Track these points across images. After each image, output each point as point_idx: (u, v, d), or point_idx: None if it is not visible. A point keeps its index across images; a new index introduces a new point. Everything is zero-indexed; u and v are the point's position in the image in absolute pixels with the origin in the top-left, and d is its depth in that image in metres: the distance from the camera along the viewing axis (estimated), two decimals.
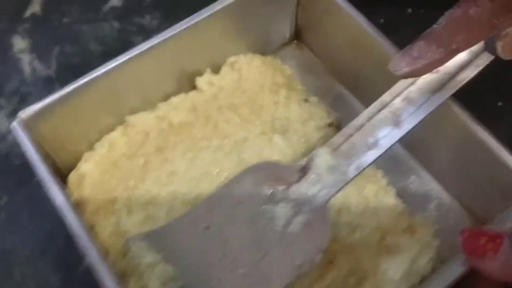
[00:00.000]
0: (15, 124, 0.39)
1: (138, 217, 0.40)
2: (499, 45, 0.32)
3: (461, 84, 0.37)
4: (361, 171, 0.37)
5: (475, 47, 0.36)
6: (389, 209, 0.42)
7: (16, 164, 0.48)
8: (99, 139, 0.44)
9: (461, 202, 0.44)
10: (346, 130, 0.38)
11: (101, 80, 0.41)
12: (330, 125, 0.47)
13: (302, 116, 0.46)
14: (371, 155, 0.37)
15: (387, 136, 0.37)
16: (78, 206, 0.41)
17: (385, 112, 0.37)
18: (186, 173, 0.43)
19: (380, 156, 0.37)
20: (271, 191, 0.37)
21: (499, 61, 0.34)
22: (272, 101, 0.47)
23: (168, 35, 0.43)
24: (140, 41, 0.43)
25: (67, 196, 0.38)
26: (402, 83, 0.37)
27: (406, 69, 0.33)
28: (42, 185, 0.38)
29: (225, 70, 0.48)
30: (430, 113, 0.37)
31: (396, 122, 0.37)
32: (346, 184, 0.37)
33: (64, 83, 0.41)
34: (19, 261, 0.44)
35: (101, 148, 0.43)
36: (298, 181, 0.37)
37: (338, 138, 0.38)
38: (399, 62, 0.33)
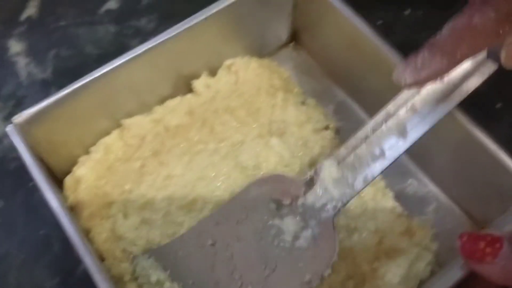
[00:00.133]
0: (10, 128, 0.39)
1: (134, 221, 0.40)
2: (503, 54, 0.32)
3: (466, 94, 0.36)
4: (368, 184, 0.36)
5: (480, 56, 0.36)
6: (387, 212, 0.42)
7: (12, 168, 0.48)
8: (95, 143, 0.44)
9: (460, 205, 0.44)
10: (351, 142, 0.37)
11: (97, 83, 0.41)
12: (327, 127, 0.47)
13: (299, 118, 0.46)
14: (378, 167, 0.36)
15: (393, 148, 0.36)
16: (74, 210, 0.41)
17: (390, 123, 0.37)
18: (182, 177, 0.42)
19: (386, 167, 0.36)
20: (277, 205, 0.37)
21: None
22: (269, 103, 0.46)
23: (164, 38, 0.43)
24: (137, 44, 0.43)
25: (63, 200, 0.38)
26: (406, 93, 0.37)
27: (410, 79, 0.32)
28: (38, 189, 0.38)
29: (221, 73, 0.47)
30: (436, 124, 0.36)
31: (401, 133, 0.36)
32: (354, 197, 0.36)
33: (60, 86, 0.41)
34: (15, 266, 0.44)
35: (97, 152, 0.43)
36: (304, 194, 0.37)
37: (343, 150, 0.37)
38: (403, 72, 0.33)
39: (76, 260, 0.36)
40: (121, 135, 0.44)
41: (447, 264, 0.37)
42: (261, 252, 0.36)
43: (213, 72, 0.48)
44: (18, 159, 0.39)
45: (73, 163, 0.43)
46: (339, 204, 0.36)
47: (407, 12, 0.56)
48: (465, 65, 0.36)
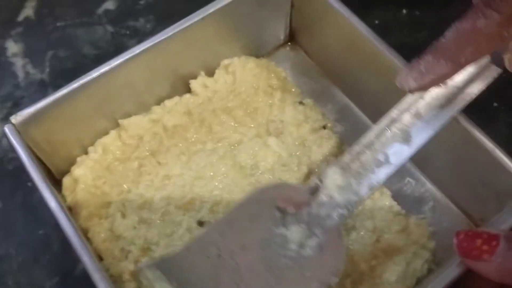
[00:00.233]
0: (8, 128, 0.39)
1: (133, 220, 0.40)
2: (506, 58, 0.32)
3: (471, 98, 0.36)
4: (374, 190, 0.36)
5: (483, 60, 0.36)
6: (384, 211, 0.42)
7: (10, 169, 0.48)
8: (92, 143, 0.44)
9: (457, 204, 0.44)
10: (355, 148, 0.37)
11: (94, 83, 0.41)
12: (324, 127, 0.47)
13: (297, 118, 0.46)
14: (383, 173, 0.36)
15: (398, 153, 0.36)
16: (72, 211, 0.41)
17: (394, 128, 0.36)
18: (181, 177, 0.43)
19: (391, 174, 0.36)
20: (281, 213, 0.37)
21: None
22: (266, 103, 0.46)
23: (161, 38, 0.43)
24: (134, 44, 0.43)
25: (61, 200, 0.38)
26: (409, 98, 0.37)
27: (414, 85, 0.32)
28: (37, 189, 0.38)
29: (219, 73, 0.47)
30: (440, 128, 0.36)
31: (406, 138, 0.36)
32: (359, 204, 0.36)
33: (58, 87, 0.41)
34: (13, 267, 0.44)
35: (95, 152, 0.43)
36: (309, 202, 0.36)
37: (347, 156, 0.37)
38: (407, 77, 0.33)
39: (75, 260, 0.36)
40: (119, 135, 0.44)
41: (444, 262, 0.37)
42: (267, 262, 0.36)
43: (210, 72, 0.48)
44: (16, 159, 0.39)
45: (71, 163, 0.43)
46: (345, 212, 0.36)
47: (404, 12, 0.56)
48: (469, 70, 0.36)
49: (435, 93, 0.36)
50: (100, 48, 0.54)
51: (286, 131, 0.45)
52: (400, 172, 0.45)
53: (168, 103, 0.46)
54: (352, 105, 0.50)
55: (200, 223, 0.41)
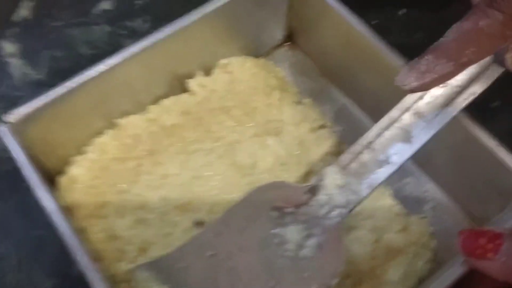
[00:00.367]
0: (3, 128, 0.39)
1: (129, 221, 0.40)
2: (508, 57, 0.32)
3: (472, 98, 0.36)
4: (373, 190, 0.36)
5: (485, 59, 0.35)
6: (385, 210, 0.41)
7: (6, 170, 0.47)
8: (89, 142, 0.43)
9: (458, 203, 0.44)
10: (354, 148, 0.36)
11: (91, 82, 0.41)
12: (323, 126, 0.46)
13: (296, 118, 0.46)
14: (383, 173, 0.35)
15: (398, 153, 0.36)
16: (68, 211, 0.40)
17: (394, 128, 0.36)
18: (178, 177, 0.42)
19: (392, 173, 0.36)
20: (279, 213, 0.36)
21: None
22: (265, 103, 0.46)
23: (158, 37, 0.43)
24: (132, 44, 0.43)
25: (57, 200, 0.37)
26: (410, 98, 0.36)
27: (414, 84, 0.32)
28: (32, 190, 0.37)
29: (217, 72, 0.47)
30: (441, 128, 0.36)
31: (406, 138, 0.36)
32: (359, 203, 0.36)
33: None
34: (11, 268, 0.43)
35: (92, 152, 0.43)
36: (307, 202, 0.36)
37: (346, 156, 0.36)
38: (406, 76, 0.32)
39: (72, 261, 0.35)
40: (116, 134, 0.44)
41: (446, 262, 0.37)
42: (265, 263, 0.35)
43: (208, 72, 0.47)
44: (12, 160, 0.39)
45: (68, 163, 0.43)
46: (344, 211, 0.35)
47: (402, 12, 0.56)
48: (470, 69, 0.35)
49: (436, 92, 0.36)
50: (97, 48, 0.54)
51: (284, 131, 0.45)
52: (401, 171, 0.45)
53: (165, 102, 0.45)
54: (350, 104, 0.49)
55: (198, 223, 0.40)
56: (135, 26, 0.55)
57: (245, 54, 0.49)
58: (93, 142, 0.43)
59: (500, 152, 0.38)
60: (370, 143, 0.36)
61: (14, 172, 0.39)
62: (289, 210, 0.36)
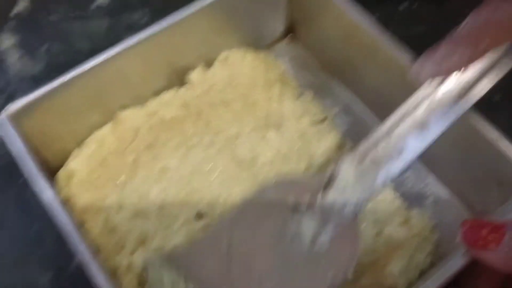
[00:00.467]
0: (1, 121, 0.38)
1: (129, 213, 0.40)
2: None
3: (485, 91, 0.35)
4: (387, 183, 0.35)
5: (495, 53, 0.35)
6: (386, 203, 0.41)
7: (1, 164, 0.47)
8: (88, 136, 0.43)
9: (459, 196, 0.44)
10: (368, 142, 0.36)
11: (88, 75, 0.41)
12: (324, 120, 0.46)
13: (296, 111, 0.45)
14: (397, 167, 0.35)
15: (412, 147, 0.35)
16: (67, 204, 0.40)
17: (408, 122, 0.36)
18: (178, 170, 0.42)
19: (407, 166, 0.35)
20: (293, 207, 0.36)
21: None
22: (265, 97, 0.46)
23: (156, 30, 0.42)
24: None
25: (56, 193, 0.37)
26: (422, 92, 0.36)
27: (431, 72, 0.32)
28: (30, 183, 0.37)
29: (216, 65, 0.47)
30: (454, 122, 0.35)
31: (420, 131, 0.35)
32: (374, 197, 0.35)
33: None
34: (7, 262, 0.43)
35: (90, 145, 0.43)
36: (322, 196, 0.36)
37: (361, 149, 0.36)
38: (422, 65, 0.32)
39: (69, 255, 0.35)
40: (114, 128, 0.43)
41: (448, 254, 0.37)
42: (279, 257, 0.35)
43: (208, 65, 0.47)
44: (8, 155, 0.38)
45: (66, 156, 0.42)
46: (359, 205, 0.35)
47: (402, 6, 0.56)
48: (481, 63, 0.35)
49: (448, 86, 0.36)
50: (95, 42, 0.54)
51: (285, 125, 0.45)
52: None
53: (164, 95, 0.45)
54: (352, 98, 0.49)
55: (198, 216, 0.40)
56: (133, 20, 0.55)
57: (245, 47, 0.48)
58: (92, 136, 0.43)
59: (502, 144, 0.38)
60: (384, 136, 0.36)
61: (10, 167, 0.39)
62: (304, 204, 0.36)
